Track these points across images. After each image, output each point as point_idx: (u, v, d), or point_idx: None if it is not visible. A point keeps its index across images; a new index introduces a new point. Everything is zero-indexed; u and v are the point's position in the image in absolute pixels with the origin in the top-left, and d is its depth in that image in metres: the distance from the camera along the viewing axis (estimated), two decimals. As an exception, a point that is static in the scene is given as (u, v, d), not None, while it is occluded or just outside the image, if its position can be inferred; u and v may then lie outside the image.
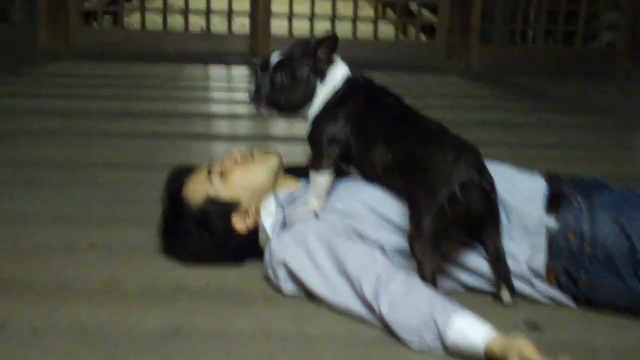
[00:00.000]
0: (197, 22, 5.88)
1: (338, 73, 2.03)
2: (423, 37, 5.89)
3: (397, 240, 2.01)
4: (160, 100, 4.31)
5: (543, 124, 4.12)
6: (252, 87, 2.02)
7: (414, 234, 1.88)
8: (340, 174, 2.10)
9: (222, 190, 2.15)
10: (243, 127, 3.91)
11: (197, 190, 2.16)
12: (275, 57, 2.01)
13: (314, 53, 1.99)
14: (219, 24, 5.80)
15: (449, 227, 1.89)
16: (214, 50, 5.50)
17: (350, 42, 5.48)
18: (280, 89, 1.99)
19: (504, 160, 2.01)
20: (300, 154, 3.11)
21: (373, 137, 1.98)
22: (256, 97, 2.01)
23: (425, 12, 5.95)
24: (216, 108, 4.38)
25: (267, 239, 2.11)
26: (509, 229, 2.00)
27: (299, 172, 2.28)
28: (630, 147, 3.86)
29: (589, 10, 5.63)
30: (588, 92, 5.05)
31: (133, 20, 6.44)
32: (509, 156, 3.19)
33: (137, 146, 3.38)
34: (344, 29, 5.71)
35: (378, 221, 2.03)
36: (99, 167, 3.05)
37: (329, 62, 2.01)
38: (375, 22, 5.72)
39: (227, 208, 2.14)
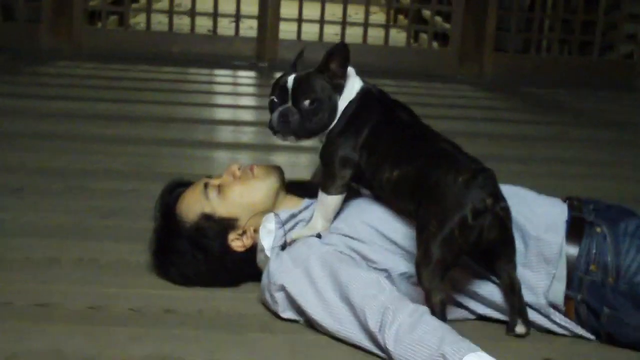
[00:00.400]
0: (203, 24, 5.76)
1: (353, 85, 1.90)
2: (435, 45, 5.74)
3: (405, 266, 1.88)
4: (162, 104, 4.19)
5: (558, 138, 3.98)
6: (276, 117, 1.85)
7: (422, 260, 1.74)
8: (349, 192, 1.96)
9: (219, 206, 2.01)
10: (247, 135, 3.78)
11: (192, 206, 2.02)
12: (291, 81, 1.85)
13: (327, 67, 1.85)
14: (226, 27, 5.68)
15: (459, 255, 1.75)
16: (220, 53, 5.38)
17: (360, 48, 5.36)
18: (308, 116, 1.84)
19: (517, 176, 1.86)
20: (304, 165, 2.98)
21: (384, 156, 1.85)
22: (283, 128, 1.85)
23: (438, 19, 5.81)
24: (220, 114, 4.25)
25: (266, 260, 1.97)
26: (525, 257, 1.86)
27: (302, 189, 2.14)
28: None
29: (607, 21, 5.49)
30: (605, 105, 4.91)
31: (138, 20, 6.31)
32: (521, 172, 3.08)
33: (135, 153, 3.25)
34: (354, 34, 5.60)
35: (385, 245, 1.89)
36: (93, 174, 2.92)
37: (345, 74, 1.87)
38: (386, 28, 5.58)
39: (223, 225, 2.01)
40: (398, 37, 5.96)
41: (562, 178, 3.09)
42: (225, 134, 3.80)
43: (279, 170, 2.09)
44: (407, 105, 1.96)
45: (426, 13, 6.22)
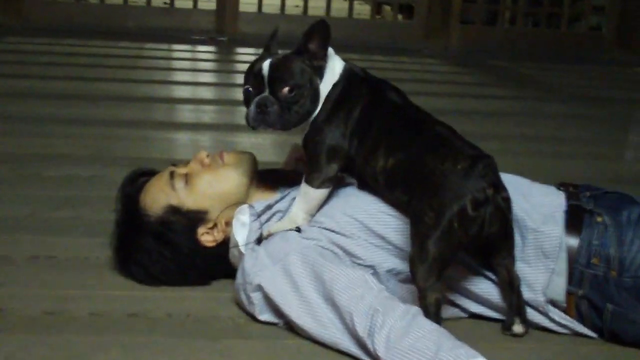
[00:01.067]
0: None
1: (334, 66, 1.72)
2: (400, 17, 5.58)
3: (393, 262, 1.73)
4: (119, 82, 4.00)
5: (531, 114, 3.85)
6: (253, 109, 1.65)
7: (417, 256, 1.59)
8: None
9: (187, 197, 1.84)
10: (208, 114, 3.59)
11: (157, 197, 1.85)
12: (266, 67, 1.66)
13: (306, 48, 1.67)
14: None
15: (458, 250, 1.61)
16: (177, 27, 5.16)
17: (324, 21, 5.17)
18: (288, 105, 1.65)
19: (497, 154, 1.70)
20: (270, 146, 2.82)
21: (376, 142, 1.69)
22: (262, 122, 1.66)
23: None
24: (180, 92, 4.05)
25: (240, 256, 1.81)
26: (523, 251, 1.73)
27: (274, 179, 1.97)
28: (628, 143, 3.60)
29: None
30: (574, 80, 4.81)
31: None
32: (500, 150, 2.93)
33: (91, 135, 3.06)
34: (316, 6, 5.43)
35: (370, 239, 1.74)
36: (46, 160, 2.73)
37: (325, 55, 1.69)
38: (350, 2, 5.40)
39: (192, 219, 1.84)
40: (360, 9, 5.78)
41: (541, 156, 2.97)
42: (186, 113, 3.62)
43: (251, 157, 1.92)
44: (393, 84, 1.79)
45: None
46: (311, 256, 1.68)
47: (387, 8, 6.07)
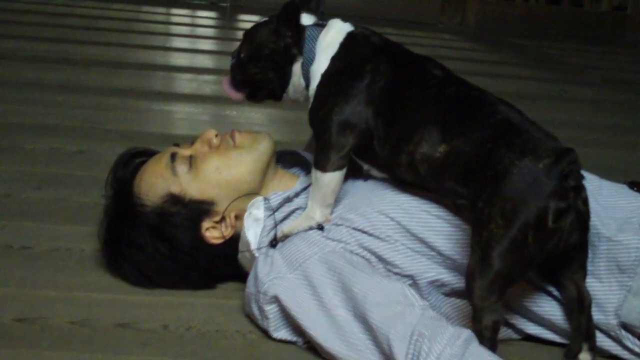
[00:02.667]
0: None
1: (332, 39, 1.49)
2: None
3: (436, 271, 1.46)
4: (112, 46, 3.70)
5: (562, 98, 3.56)
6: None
7: (477, 268, 1.31)
8: (355, 173, 1.53)
9: (190, 184, 1.56)
10: (209, 85, 3.28)
11: (155, 183, 1.56)
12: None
13: (277, 27, 1.50)
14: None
15: (528, 267, 1.32)
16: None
17: (333, -9, 4.89)
18: (246, 67, 1.53)
19: None
20: (284, 122, 2.52)
21: (414, 125, 1.39)
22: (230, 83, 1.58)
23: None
24: (178, 59, 3.74)
25: (252, 258, 1.51)
26: (593, 263, 1.45)
27: (296, 163, 1.68)
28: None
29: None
30: (599, 62, 4.52)
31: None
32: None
33: (80, 104, 2.75)
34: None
35: (409, 243, 1.46)
36: (27, 130, 2.44)
37: (296, 35, 1.49)
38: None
39: (195, 210, 1.56)
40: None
41: (583, 145, 2.67)
42: (185, 83, 3.32)
43: (267, 138, 1.62)
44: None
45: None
46: (337, 263, 1.40)
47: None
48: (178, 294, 1.56)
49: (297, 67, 1.51)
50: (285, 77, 1.52)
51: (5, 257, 1.66)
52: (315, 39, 1.49)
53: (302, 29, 1.50)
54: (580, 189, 1.30)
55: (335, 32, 1.49)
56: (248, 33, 1.54)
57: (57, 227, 1.81)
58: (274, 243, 1.49)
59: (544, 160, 1.27)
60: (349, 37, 1.49)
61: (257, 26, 1.54)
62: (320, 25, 1.52)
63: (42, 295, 1.51)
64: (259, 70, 1.52)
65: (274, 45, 1.50)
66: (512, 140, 1.31)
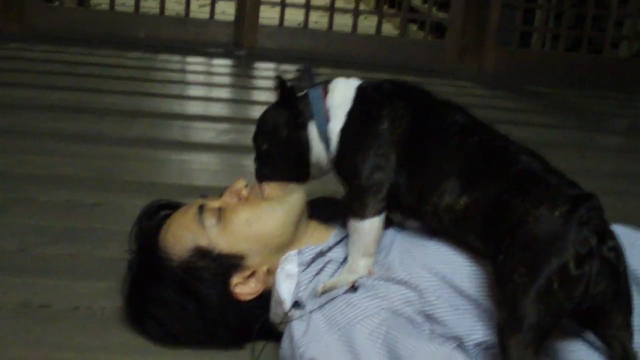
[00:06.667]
0: (173, 7, 5.22)
1: (342, 97, 1.44)
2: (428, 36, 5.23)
3: (484, 332, 1.35)
4: (127, 95, 3.60)
5: (586, 146, 3.46)
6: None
7: (508, 324, 1.21)
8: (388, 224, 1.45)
9: (219, 238, 1.46)
10: (227, 134, 3.19)
11: (182, 237, 1.47)
12: None
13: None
14: (199, 9, 5.13)
15: (559, 316, 1.22)
16: (192, 39, 4.79)
17: (349, 38, 4.84)
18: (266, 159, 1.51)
19: None
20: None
21: (437, 175, 1.34)
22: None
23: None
24: (194, 107, 3.67)
25: (285, 316, 1.41)
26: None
27: (330, 214, 1.59)
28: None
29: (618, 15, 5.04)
30: (622, 110, 4.42)
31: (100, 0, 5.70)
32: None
33: (96, 154, 2.65)
34: (342, 23, 5.07)
35: (455, 301, 1.36)
36: (42, 182, 2.31)
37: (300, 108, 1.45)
38: (379, 16, 5.03)
39: (224, 265, 1.46)
40: (385, 27, 5.41)
41: (617, 195, 2.57)
42: (203, 132, 3.22)
43: (298, 189, 1.53)
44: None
45: (414, 2, 5.73)
46: (382, 325, 1.30)
47: (413, 27, 5.72)
48: (205, 354, 1.46)
49: (313, 131, 1.44)
50: (305, 147, 1.46)
51: (23, 315, 1.56)
52: (319, 97, 1.44)
53: (303, 95, 1.45)
54: (604, 235, 1.22)
55: (343, 89, 1.44)
56: (260, 125, 1.51)
57: (75, 284, 1.70)
58: (310, 299, 1.40)
59: (561, 208, 1.20)
60: (360, 90, 1.44)
61: (264, 115, 1.50)
62: (317, 84, 1.47)
63: (61, 358, 1.42)
64: (281, 150, 1.48)
65: (285, 120, 1.45)
66: (528, 189, 1.25)
